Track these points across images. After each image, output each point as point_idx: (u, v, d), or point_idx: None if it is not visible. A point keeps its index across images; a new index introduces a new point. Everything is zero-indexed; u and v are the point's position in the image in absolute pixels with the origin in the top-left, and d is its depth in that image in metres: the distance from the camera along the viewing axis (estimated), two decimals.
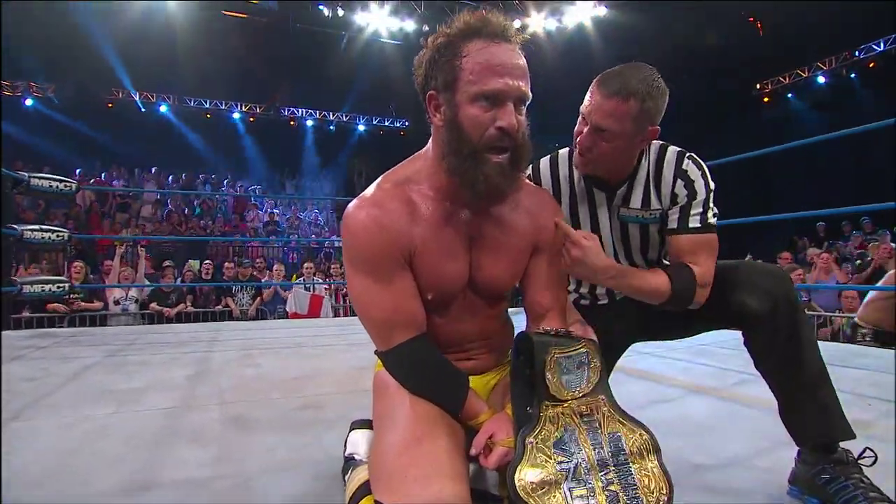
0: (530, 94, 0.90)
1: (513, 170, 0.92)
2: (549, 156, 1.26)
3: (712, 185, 1.16)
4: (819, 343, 1.10)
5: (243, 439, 1.49)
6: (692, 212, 1.14)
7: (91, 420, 1.65)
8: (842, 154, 10.09)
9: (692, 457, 1.32)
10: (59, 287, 3.69)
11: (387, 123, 15.31)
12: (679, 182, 1.15)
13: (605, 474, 0.82)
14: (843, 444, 1.04)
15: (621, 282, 1.10)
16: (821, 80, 11.47)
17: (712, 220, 1.16)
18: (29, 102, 11.83)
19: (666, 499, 0.82)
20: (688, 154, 1.17)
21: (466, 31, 0.88)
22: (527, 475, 0.81)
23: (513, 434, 0.88)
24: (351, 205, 0.95)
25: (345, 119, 14.83)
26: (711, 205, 1.17)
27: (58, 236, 3.66)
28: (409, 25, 10.88)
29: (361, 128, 15.14)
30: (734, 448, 1.38)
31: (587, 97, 1.09)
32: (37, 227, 3.65)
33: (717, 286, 1.09)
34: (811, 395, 1.03)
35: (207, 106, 13.34)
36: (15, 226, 3.51)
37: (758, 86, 12.55)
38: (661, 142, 1.18)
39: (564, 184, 1.23)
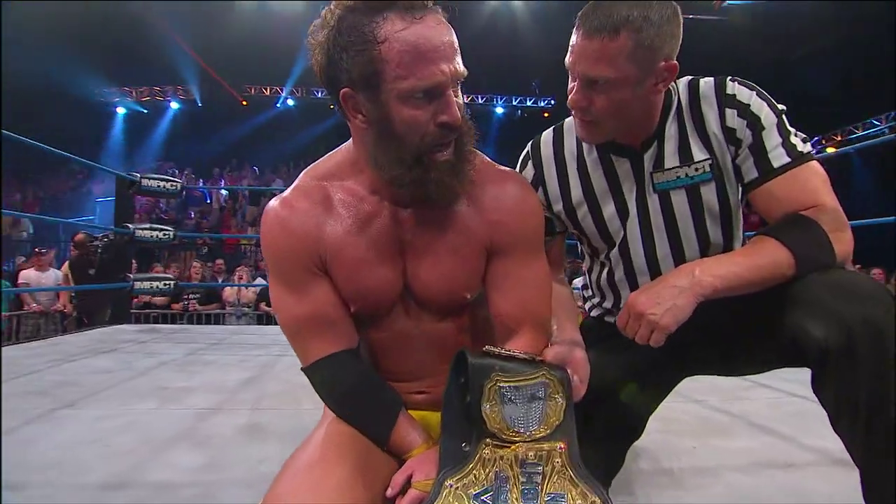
0: (465, 70, 0.83)
1: (462, 162, 0.87)
2: (552, 127, 1.15)
3: (780, 106, 0.97)
4: None
5: (245, 448, 1.63)
6: (769, 145, 0.96)
7: (125, 415, 1.94)
8: None
9: None
10: (165, 284, 4.42)
11: (529, 103, 15.27)
12: (729, 112, 0.98)
13: None
14: None
15: (729, 283, 0.87)
16: None
17: (804, 147, 0.96)
18: (174, 106, 14.41)
19: None
20: (730, 77, 0.99)
21: (375, 5, 0.80)
22: None
23: (434, 475, 0.83)
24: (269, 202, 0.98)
25: (481, 101, 15.14)
26: (791, 128, 0.97)
27: (164, 234, 4.38)
28: None
29: (500, 110, 15.32)
30: None
31: (569, 44, 0.96)
32: (147, 226, 4.42)
33: (770, 304, 0.88)
34: None
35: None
36: (129, 225, 4.30)
37: None
38: (689, 77, 1.02)
39: (571, 160, 1.11)
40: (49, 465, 1.47)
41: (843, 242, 0.89)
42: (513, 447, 0.81)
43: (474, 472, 0.80)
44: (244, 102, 14.30)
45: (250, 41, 11.01)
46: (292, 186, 0.96)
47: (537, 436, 0.82)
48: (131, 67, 12.74)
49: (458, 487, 0.79)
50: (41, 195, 12.46)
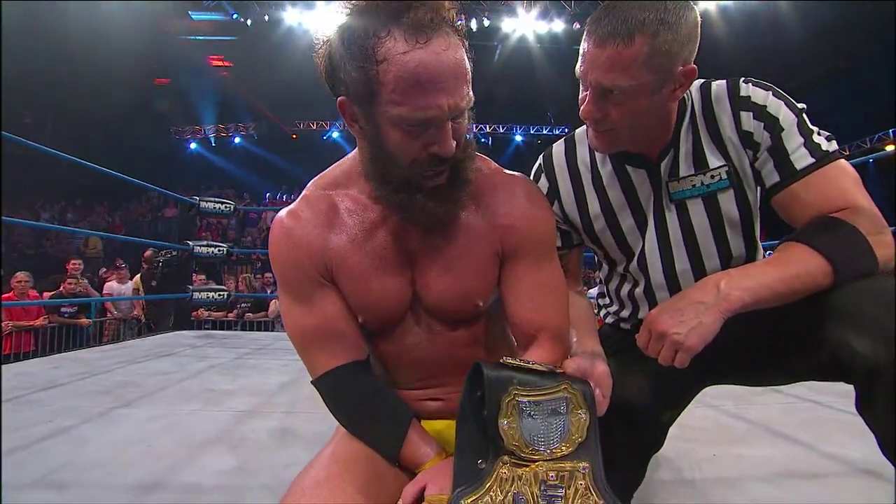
0: (472, 99, 0.70)
1: (455, 190, 0.75)
2: (563, 138, 1.01)
3: (799, 105, 0.82)
4: None
5: (275, 452, 1.51)
6: (790, 146, 0.81)
7: (172, 416, 1.85)
8: None
9: None
10: (219, 295, 4.39)
11: (545, 132, 15.12)
12: (744, 115, 0.83)
13: None
14: None
15: (758, 296, 0.71)
16: None
17: (829, 146, 0.80)
18: (237, 140, 14.82)
19: None
20: (743, 78, 0.85)
21: (379, 20, 0.65)
22: None
23: (448, 490, 0.70)
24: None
25: (501, 130, 15.05)
26: (813, 127, 0.82)
27: (219, 251, 4.36)
28: (558, 26, 10.60)
29: (518, 138, 15.20)
30: None
31: (580, 51, 0.82)
32: (204, 243, 4.40)
33: (804, 313, 0.73)
34: None
35: None
36: (189, 241, 4.30)
37: None
38: (701, 80, 0.88)
39: (586, 172, 0.97)
40: (96, 464, 1.38)
41: (884, 246, 0.73)
42: (532, 466, 0.68)
43: (491, 492, 0.67)
44: (294, 136, 14.53)
45: (299, 82, 11.22)
46: (301, 196, 0.85)
47: (559, 454, 0.68)
48: (202, 108, 13.20)
49: None
50: (125, 219, 12.84)
